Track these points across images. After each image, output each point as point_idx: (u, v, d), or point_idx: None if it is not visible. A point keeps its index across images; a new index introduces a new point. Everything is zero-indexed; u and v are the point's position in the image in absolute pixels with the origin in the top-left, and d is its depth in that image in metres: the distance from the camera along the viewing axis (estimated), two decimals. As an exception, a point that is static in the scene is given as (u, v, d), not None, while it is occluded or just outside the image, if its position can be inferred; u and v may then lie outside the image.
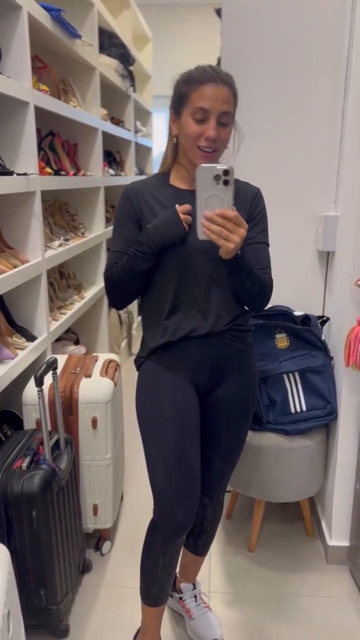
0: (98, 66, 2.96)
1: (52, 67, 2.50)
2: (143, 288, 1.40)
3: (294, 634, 1.66)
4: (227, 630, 1.67)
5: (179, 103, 1.30)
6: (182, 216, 1.27)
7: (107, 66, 3.29)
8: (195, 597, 1.68)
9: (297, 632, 1.67)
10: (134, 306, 4.40)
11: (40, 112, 2.16)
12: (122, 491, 2.27)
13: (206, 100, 1.24)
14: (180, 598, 1.68)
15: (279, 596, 1.81)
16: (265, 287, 1.32)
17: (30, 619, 1.57)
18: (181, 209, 1.28)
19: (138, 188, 1.38)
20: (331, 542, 1.95)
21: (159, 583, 1.40)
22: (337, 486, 1.90)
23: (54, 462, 1.60)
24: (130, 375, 2.85)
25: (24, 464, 1.54)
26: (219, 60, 2.83)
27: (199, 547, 1.63)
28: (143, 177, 1.46)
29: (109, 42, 3.42)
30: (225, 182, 1.12)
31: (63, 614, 1.63)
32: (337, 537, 1.94)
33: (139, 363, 1.46)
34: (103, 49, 3.28)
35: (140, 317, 4.50)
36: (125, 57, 3.62)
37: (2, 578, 1.07)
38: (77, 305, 2.65)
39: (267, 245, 1.39)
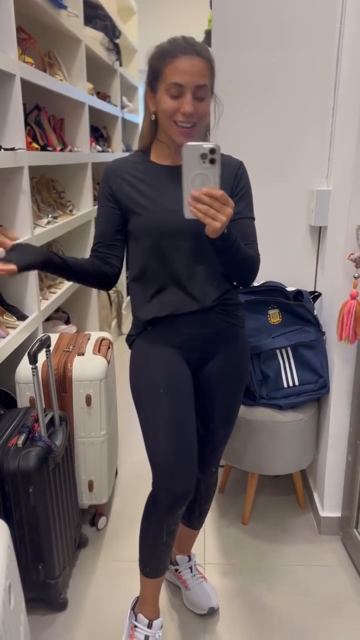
0: (84, 38, 2.89)
1: (37, 39, 2.43)
2: (130, 267, 1.40)
3: (288, 603, 1.70)
4: (222, 600, 1.71)
5: (154, 79, 1.27)
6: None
7: (93, 39, 3.21)
8: (190, 568, 1.71)
9: (291, 601, 1.71)
10: (123, 286, 4.38)
11: (25, 86, 2.11)
12: (116, 467, 2.29)
13: (180, 74, 1.21)
14: (176, 570, 1.71)
15: (273, 566, 1.85)
16: (252, 263, 1.32)
17: (29, 592, 1.58)
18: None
19: (117, 168, 1.37)
20: (323, 513, 1.99)
21: (158, 555, 1.42)
22: (329, 458, 1.94)
23: (49, 439, 1.60)
24: (121, 354, 2.84)
25: (20, 441, 1.54)
26: (207, 32, 2.77)
27: (194, 521, 1.65)
28: (128, 154, 1.44)
29: (94, 14, 3.33)
30: (212, 161, 1.11)
31: (61, 587, 1.66)
32: (329, 508, 1.98)
33: (131, 341, 1.47)
34: (88, 21, 3.20)
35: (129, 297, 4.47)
36: (110, 30, 3.54)
37: (3, 552, 1.08)
38: (66, 284, 2.63)
39: (253, 219, 1.39)
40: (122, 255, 1.41)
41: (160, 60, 1.24)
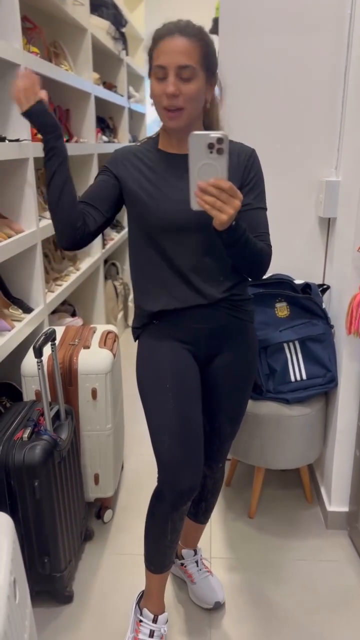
0: (89, 28, 2.85)
1: (42, 28, 2.40)
2: (134, 258, 1.38)
3: (295, 597, 1.70)
4: (228, 594, 1.70)
5: (149, 64, 1.26)
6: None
7: (99, 28, 3.17)
8: (196, 562, 1.70)
9: (298, 595, 1.70)
10: (129, 278, 4.36)
11: (31, 75, 2.08)
12: (122, 461, 2.28)
13: (162, 56, 1.19)
14: (182, 564, 1.71)
15: (280, 561, 1.84)
16: (263, 255, 1.28)
17: (35, 585, 1.58)
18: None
19: (127, 153, 1.34)
20: (330, 507, 1.98)
21: (163, 550, 1.41)
22: (337, 453, 1.92)
23: (54, 432, 1.60)
24: (127, 347, 2.84)
25: (25, 435, 1.54)
26: (215, 20, 2.73)
27: (200, 515, 1.64)
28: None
29: (100, 2, 3.29)
30: (219, 151, 1.07)
31: (67, 580, 1.66)
32: (336, 502, 1.97)
33: (137, 334, 1.45)
34: (94, 9, 3.16)
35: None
36: (117, 19, 3.49)
37: (7, 546, 1.07)
38: (72, 277, 2.61)
39: (265, 209, 1.35)
40: (99, 223, 1.32)
41: (150, 45, 1.23)
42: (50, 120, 1.27)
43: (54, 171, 1.27)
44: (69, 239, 1.29)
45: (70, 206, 1.27)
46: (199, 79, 1.22)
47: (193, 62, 1.19)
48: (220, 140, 1.06)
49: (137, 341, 1.45)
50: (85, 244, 1.32)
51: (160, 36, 1.20)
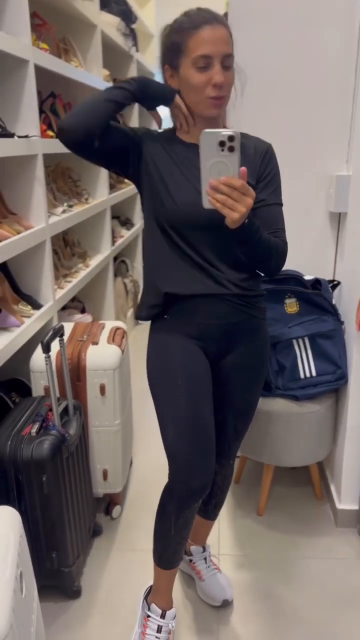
0: (99, 24, 2.85)
1: (52, 24, 2.40)
2: (146, 255, 1.36)
3: (303, 595, 1.68)
4: (236, 592, 1.69)
5: (175, 55, 1.22)
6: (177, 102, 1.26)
7: (109, 24, 3.17)
8: (205, 559, 1.69)
9: (306, 593, 1.69)
10: (139, 275, 4.36)
11: (40, 73, 2.08)
12: (131, 456, 2.28)
13: (206, 45, 1.17)
14: (191, 560, 1.70)
15: (288, 558, 1.83)
16: (277, 252, 1.26)
17: (43, 580, 1.59)
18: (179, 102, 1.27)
19: (150, 132, 1.34)
20: (340, 505, 1.96)
21: (173, 547, 1.41)
22: (347, 450, 1.90)
23: (63, 428, 1.60)
24: (137, 343, 2.84)
25: (33, 430, 1.54)
26: (225, 15, 2.71)
27: (209, 512, 1.63)
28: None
29: (110, -1, 3.29)
30: (231, 149, 1.05)
31: (75, 575, 1.66)
32: (346, 500, 1.95)
33: (142, 315, 1.40)
34: (103, 5, 3.15)
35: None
36: (127, 15, 3.49)
37: (14, 540, 1.07)
38: (82, 274, 2.62)
39: (280, 205, 1.33)
40: (110, 140, 1.26)
41: (181, 34, 1.20)
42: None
43: (108, 98, 1.21)
44: (77, 135, 1.22)
45: (100, 122, 1.22)
46: (232, 67, 1.23)
47: (232, 51, 1.21)
48: (231, 138, 1.05)
49: (149, 325, 1.41)
50: (79, 150, 1.26)
51: (196, 25, 1.18)
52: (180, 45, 1.20)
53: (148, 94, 1.27)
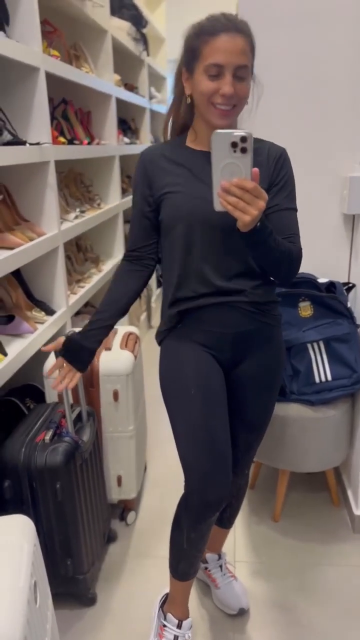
0: (110, 29, 2.85)
1: (62, 31, 2.41)
2: (162, 260, 1.37)
3: (319, 603, 1.66)
4: (252, 598, 1.68)
5: (191, 59, 1.21)
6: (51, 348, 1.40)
7: (119, 29, 3.18)
8: (220, 567, 1.68)
9: (323, 601, 1.66)
10: (152, 279, 4.36)
11: (52, 80, 2.09)
12: (145, 462, 2.28)
13: (220, 54, 1.14)
14: (206, 568, 1.69)
15: (305, 565, 1.80)
16: (291, 258, 1.24)
17: (58, 587, 1.58)
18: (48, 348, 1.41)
19: (153, 153, 1.32)
20: (357, 511, 1.93)
21: (189, 559, 1.39)
22: (364, 456, 1.87)
23: (76, 434, 1.60)
24: (150, 348, 2.83)
25: (47, 437, 1.54)
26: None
27: (225, 520, 1.62)
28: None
29: (120, 4, 3.30)
30: (243, 150, 1.03)
31: (90, 583, 1.65)
32: (363, 506, 1.92)
33: (160, 338, 1.42)
34: (114, 11, 3.16)
35: (159, 290, 4.47)
36: (137, 19, 3.49)
37: (28, 550, 1.07)
38: (95, 279, 2.62)
39: (295, 210, 1.31)
40: (156, 252, 1.39)
41: (198, 39, 1.18)
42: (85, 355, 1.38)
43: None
44: (143, 287, 1.42)
45: (128, 299, 1.40)
46: (249, 77, 1.21)
47: (248, 62, 1.18)
48: (244, 139, 1.03)
49: (160, 345, 1.43)
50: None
51: (213, 31, 1.15)
52: (196, 50, 1.19)
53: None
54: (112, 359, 1.83)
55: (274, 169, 1.28)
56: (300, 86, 1.88)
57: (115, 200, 3.07)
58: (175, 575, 1.43)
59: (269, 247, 1.16)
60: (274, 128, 1.91)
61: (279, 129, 1.92)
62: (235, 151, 1.04)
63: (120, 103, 3.27)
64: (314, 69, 1.86)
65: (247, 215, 1.05)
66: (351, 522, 1.97)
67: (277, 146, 1.31)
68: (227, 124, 1.22)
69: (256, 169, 1.06)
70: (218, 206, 1.08)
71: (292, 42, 1.85)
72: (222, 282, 1.28)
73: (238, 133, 1.03)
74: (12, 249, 1.69)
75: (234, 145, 1.03)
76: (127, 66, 3.76)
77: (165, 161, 1.30)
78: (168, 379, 1.36)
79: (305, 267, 1.99)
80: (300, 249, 1.28)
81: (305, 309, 1.89)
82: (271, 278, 1.33)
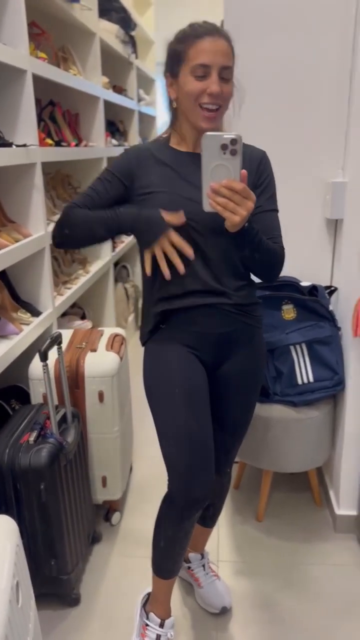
0: (98, 32, 2.87)
1: (50, 33, 2.42)
2: (145, 282, 1.38)
3: (302, 602, 1.68)
4: (235, 598, 1.70)
5: (175, 63, 1.24)
6: (167, 218, 1.23)
7: (108, 32, 3.19)
8: (203, 566, 1.70)
9: (305, 600, 1.69)
10: (140, 279, 4.37)
11: (39, 82, 2.10)
12: (130, 463, 2.29)
13: (205, 54, 1.18)
14: (189, 567, 1.70)
15: (288, 564, 1.83)
16: (276, 258, 1.28)
17: (42, 588, 1.59)
18: (170, 218, 1.23)
19: (141, 151, 1.34)
20: (339, 511, 1.96)
21: (172, 557, 1.40)
22: (345, 456, 1.90)
23: (61, 435, 1.60)
24: (137, 349, 2.84)
25: (31, 438, 1.55)
26: (221, 23, 2.73)
27: (207, 519, 1.64)
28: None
29: (109, 6, 3.31)
30: (233, 152, 1.07)
31: (74, 583, 1.66)
32: (345, 506, 1.95)
33: (144, 340, 1.43)
34: (102, 13, 3.17)
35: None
36: (126, 22, 3.51)
37: (10, 550, 1.08)
38: (82, 280, 2.63)
39: (277, 211, 1.34)
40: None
41: (183, 43, 1.22)
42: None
43: (97, 235, 1.32)
44: (66, 247, 1.38)
45: (83, 245, 1.38)
46: (232, 79, 1.25)
47: (232, 64, 1.23)
48: (234, 142, 1.06)
49: (144, 345, 1.44)
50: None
51: (198, 35, 1.20)
52: (181, 53, 1.22)
53: (142, 231, 1.27)
54: (97, 360, 1.84)
55: (256, 172, 1.31)
56: (283, 91, 1.91)
57: (102, 202, 3.07)
58: (158, 573, 1.44)
59: (255, 247, 1.20)
60: (257, 133, 1.93)
61: (262, 133, 1.94)
62: (225, 153, 1.07)
63: (109, 105, 3.28)
64: (298, 75, 1.89)
65: (237, 215, 1.09)
66: (333, 522, 2.00)
67: (258, 149, 1.35)
68: (211, 126, 1.25)
69: (245, 171, 1.08)
70: (207, 207, 1.11)
71: (276, 48, 1.87)
72: (210, 281, 1.30)
73: (228, 135, 1.07)
74: (-3, 250, 1.69)
75: (224, 147, 1.07)
76: (115, 68, 3.77)
77: (152, 160, 1.31)
78: (152, 378, 1.38)
79: (288, 271, 2.02)
80: (283, 248, 1.32)
81: (289, 311, 1.91)
82: (255, 278, 1.36)
